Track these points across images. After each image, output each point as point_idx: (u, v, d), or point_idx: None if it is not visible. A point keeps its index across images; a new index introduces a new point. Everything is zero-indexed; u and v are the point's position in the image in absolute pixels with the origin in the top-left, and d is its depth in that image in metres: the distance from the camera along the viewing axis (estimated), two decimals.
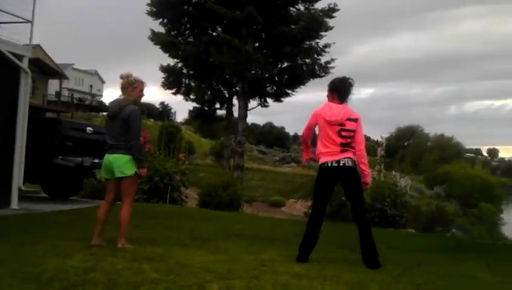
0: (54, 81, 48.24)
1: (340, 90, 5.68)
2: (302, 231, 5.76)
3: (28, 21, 10.48)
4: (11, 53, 9.80)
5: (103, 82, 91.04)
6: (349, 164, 5.47)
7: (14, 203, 9.95)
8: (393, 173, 14.83)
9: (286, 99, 32.22)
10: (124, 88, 5.94)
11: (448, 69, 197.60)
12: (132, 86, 5.91)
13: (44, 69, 36.22)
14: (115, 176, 5.83)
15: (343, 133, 5.49)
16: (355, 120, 5.58)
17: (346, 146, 5.49)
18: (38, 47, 30.84)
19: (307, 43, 30.32)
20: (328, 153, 5.46)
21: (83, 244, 5.67)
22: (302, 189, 17.13)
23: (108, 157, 5.88)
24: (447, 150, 71.67)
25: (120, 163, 5.78)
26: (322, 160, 5.51)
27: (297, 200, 17.42)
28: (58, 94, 52.18)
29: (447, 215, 23.30)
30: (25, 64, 10.18)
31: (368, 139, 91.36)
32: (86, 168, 12.44)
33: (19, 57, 10.06)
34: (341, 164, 5.43)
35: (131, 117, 5.75)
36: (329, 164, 5.45)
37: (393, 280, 5.04)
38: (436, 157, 66.13)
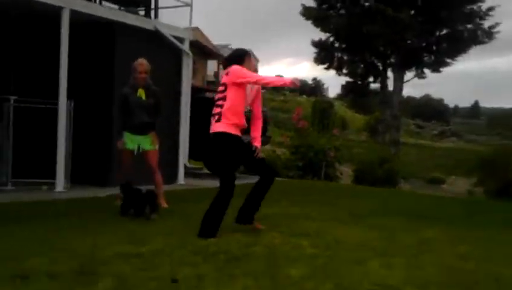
0: (212, 62, 50.76)
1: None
2: (466, 210, 5.41)
3: (187, 4, 11.09)
4: (173, 36, 10.46)
5: (257, 60, 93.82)
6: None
7: (181, 179, 10.72)
8: None
9: (445, 69, 30.50)
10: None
11: None
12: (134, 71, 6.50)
13: (203, 50, 38.17)
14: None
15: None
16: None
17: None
18: (197, 29, 32.55)
19: (468, 7, 28.25)
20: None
21: None
22: (465, 165, 16.07)
23: None
24: None
25: None
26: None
27: (459, 177, 16.40)
28: (216, 75, 54.82)
29: None
30: (186, 47, 10.81)
31: None
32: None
33: (181, 40, 10.69)
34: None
35: None
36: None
37: None
38: None
